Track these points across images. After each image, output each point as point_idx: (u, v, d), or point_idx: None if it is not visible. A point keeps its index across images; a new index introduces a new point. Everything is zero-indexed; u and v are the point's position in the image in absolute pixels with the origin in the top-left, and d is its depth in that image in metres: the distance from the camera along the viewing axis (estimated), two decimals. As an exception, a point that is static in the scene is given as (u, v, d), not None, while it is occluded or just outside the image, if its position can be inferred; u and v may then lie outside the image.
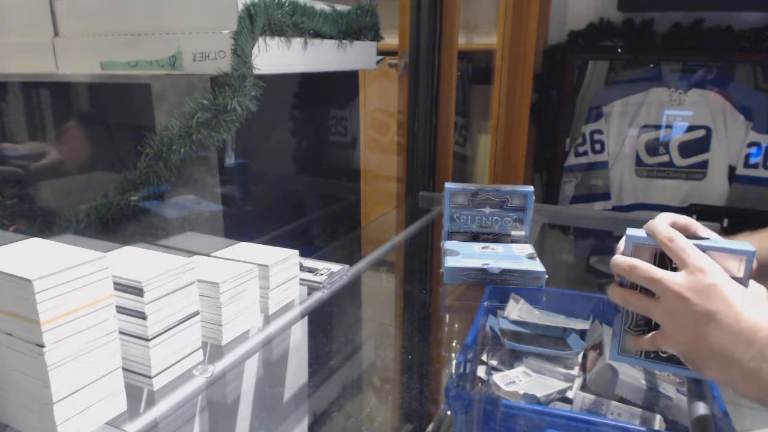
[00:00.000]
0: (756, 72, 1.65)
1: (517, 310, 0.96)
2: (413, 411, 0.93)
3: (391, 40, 1.40)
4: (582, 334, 0.93)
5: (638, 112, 1.76)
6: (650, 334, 0.60)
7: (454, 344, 1.05)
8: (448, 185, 1.10)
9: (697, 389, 0.63)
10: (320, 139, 1.69)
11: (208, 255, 0.73)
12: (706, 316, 0.53)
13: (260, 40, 0.76)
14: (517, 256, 1.03)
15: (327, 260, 0.92)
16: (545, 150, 1.85)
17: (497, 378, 0.84)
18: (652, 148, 1.77)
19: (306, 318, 0.79)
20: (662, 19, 1.64)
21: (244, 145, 1.14)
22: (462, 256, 1.02)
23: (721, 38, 1.58)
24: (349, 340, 1.05)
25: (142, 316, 0.54)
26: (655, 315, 0.58)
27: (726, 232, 0.63)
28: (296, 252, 0.78)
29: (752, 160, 1.66)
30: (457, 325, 1.11)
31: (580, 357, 0.89)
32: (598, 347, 0.88)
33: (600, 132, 1.80)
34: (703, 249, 0.57)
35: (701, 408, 0.60)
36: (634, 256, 0.60)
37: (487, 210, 1.11)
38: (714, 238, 0.60)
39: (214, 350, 0.66)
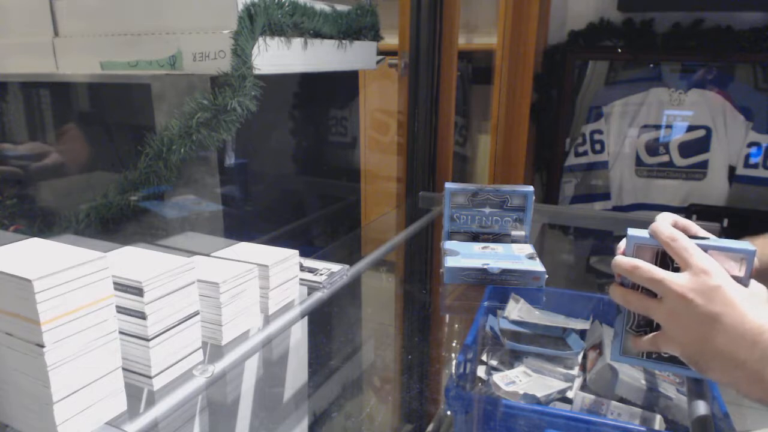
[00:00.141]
0: (756, 72, 1.65)
1: (517, 310, 0.96)
2: (413, 411, 0.93)
3: (391, 40, 1.40)
4: (582, 334, 0.93)
5: (638, 112, 1.76)
6: (651, 335, 0.60)
7: (454, 344, 1.05)
8: (448, 185, 1.10)
9: (697, 389, 0.63)
10: (320, 139, 1.69)
11: (208, 255, 0.73)
12: (710, 317, 0.53)
13: (260, 40, 0.76)
14: (517, 256, 1.03)
15: (327, 260, 0.92)
16: (545, 150, 1.85)
17: (497, 378, 0.84)
18: (652, 148, 1.77)
19: (306, 318, 0.79)
20: (662, 19, 1.64)
21: (244, 145, 1.14)
22: (462, 256, 1.02)
23: (721, 38, 1.58)
24: (349, 340, 1.05)
25: (142, 316, 0.54)
26: (656, 316, 0.58)
27: (726, 233, 0.63)
28: (296, 252, 0.78)
29: (752, 160, 1.66)
30: (457, 325, 1.11)
31: (580, 357, 0.89)
32: (598, 347, 0.88)
33: (600, 132, 1.80)
34: (705, 248, 0.57)
35: (701, 408, 0.60)
36: (635, 257, 0.60)
37: (487, 210, 1.11)
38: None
39: (214, 350, 0.66)
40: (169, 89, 0.90)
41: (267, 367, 0.77)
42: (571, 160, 1.85)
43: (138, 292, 0.53)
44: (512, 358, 0.91)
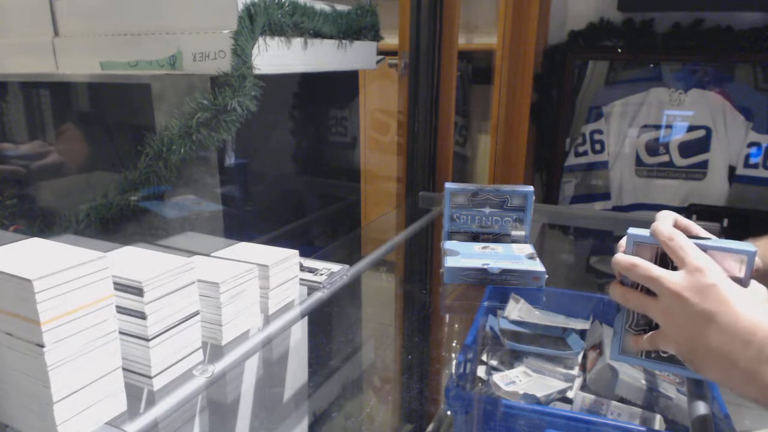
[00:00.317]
0: (756, 72, 1.65)
1: (517, 310, 0.96)
2: (413, 411, 0.93)
3: (391, 40, 1.40)
4: (582, 334, 0.93)
5: (638, 112, 1.76)
6: (649, 334, 0.60)
7: (454, 344, 1.05)
8: (448, 185, 1.10)
9: (697, 389, 0.63)
10: (320, 139, 1.69)
11: (208, 255, 0.73)
12: (705, 316, 0.53)
13: (260, 40, 0.76)
14: (517, 256, 1.03)
15: (327, 260, 0.92)
16: (545, 150, 1.85)
17: (497, 378, 0.84)
18: (652, 148, 1.77)
19: (306, 318, 0.79)
20: (662, 19, 1.64)
21: (244, 145, 1.14)
22: (462, 256, 1.02)
23: (721, 38, 1.58)
24: (349, 340, 1.05)
25: (142, 316, 0.54)
26: (653, 314, 0.58)
27: (726, 233, 0.63)
28: (296, 252, 0.78)
29: (752, 160, 1.66)
30: (457, 325, 1.11)
31: (580, 357, 0.89)
32: (598, 347, 0.88)
33: (600, 132, 1.80)
34: (705, 249, 0.57)
35: (701, 408, 0.60)
36: (635, 255, 0.60)
37: (487, 210, 1.11)
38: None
39: (214, 350, 0.66)
40: (169, 89, 0.90)
41: (267, 367, 0.77)
42: (571, 160, 1.85)
43: (138, 292, 0.53)
44: (512, 358, 0.91)
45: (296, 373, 0.83)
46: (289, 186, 1.49)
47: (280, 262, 0.74)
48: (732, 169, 1.70)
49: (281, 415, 0.80)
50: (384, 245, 1.13)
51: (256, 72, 0.76)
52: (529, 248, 1.07)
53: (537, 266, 0.97)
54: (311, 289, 0.83)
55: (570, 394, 0.83)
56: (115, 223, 0.81)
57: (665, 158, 1.76)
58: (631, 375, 0.82)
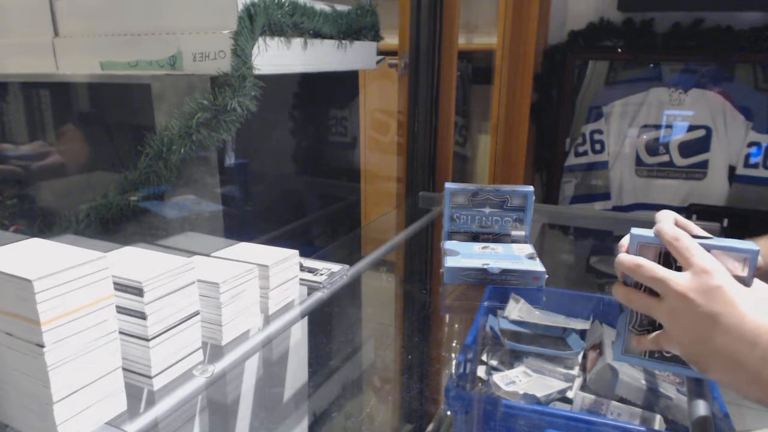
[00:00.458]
0: (756, 72, 1.65)
1: (517, 310, 0.96)
2: (413, 411, 0.93)
3: (391, 40, 1.40)
4: (582, 334, 0.93)
5: (638, 112, 1.76)
6: (653, 335, 0.60)
7: (454, 344, 1.05)
8: (448, 185, 1.10)
9: (697, 389, 0.63)
10: (320, 139, 1.69)
11: (208, 255, 0.73)
12: (710, 317, 0.53)
13: (260, 40, 0.76)
14: (517, 256, 1.03)
15: (327, 260, 0.92)
16: (545, 150, 1.85)
17: (497, 378, 0.84)
18: (652, 148, 1.77)
19: (306, 318, 0.79)
20: (662, 19, 1.64)
21: (244, 145, 1.14)
22: (462, 256, 1.02)
23: (721, 38, 1.58)
24: (349, 340, 1.05)
25: (142, 316, 0.54)
26: (658, 315, 0.58)
27: (726, 233, 0.63)
28: (296, 252, 0.78)
29: (752, 160, 1.66)
30: (457, 325, 1.11)
31: (580, 357, 0.89)
32: (598, 347, 0.88)
33: (600, 132, 1.80)
34: (708, 248, 0.57)
35: (701, 408, 0.60)
36: (638, 255, 0.60)
37: (487, 210, 1.11)
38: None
39: (214, 350, 0.66)
40: (169, 89, 0.90)
41: (267, 367, 0.77)
42: (571, 160, 1.85)
43: (138, 292, 0.53)
44: (512, 358, 0.91)
45: (296, 373, 0.83)
46: (289, 186, 1.49)
47: (280, 262, 0.74)
48: (732, 169, 1.70)
49: (281, 415, 0.80)
50: (384, 245, 1.13)
51: (256, 72, 0.76)
52: (529, 248, 1.07)
53: (537, 266, 0.97)
54: (311, 289, 0.83)
55: (570, 394, 0.83)
56: (115, 223, 0.81)
57: (665, 158, 1.76)
58: (631, 375, 0.82)
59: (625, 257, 0.60)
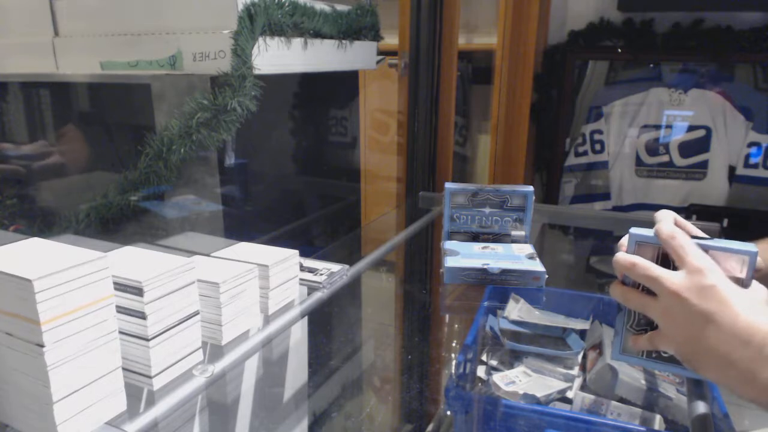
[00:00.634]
0: (756, 72, 1.65)
1: (517, 310, 0.96)
2: (413, 411, 0.93)
3: (391, 40, 1.40)
4: (582, 334, 0.93)
5: (638, 112, 1.76)
6: (648, 334, 0.60)
7: (454, 344, 1.05)
8: (448, 185, 1.10)
9: (697, 389, 0.63)
10: (320, 139, 1.69)
11: (208, 255, 0.73)
12: (704, 316, 0.53)
13: (260, 40, 0.76)
14: (517, 256, 1.03)
15: (327, 260, 0.92)
16: (545, 150, 1.85)
17: (497, 378, 0.84)
18: (652, 148, 1.77)
19: (306, 318, 0.79)
20: (662, 19, 1.64)
21: (244, 145, 1.14)
22: (462, 256, 1.02)
23: (721, 38, 1.58)
24: (349, 340, 1.05)
25: (142, 316, 0.54)
26: (653, 314, 0.58)
27: (726, 233, 0.63)
28: (296, 252, 0.78)
29: (752, 160, 1.66)
30: (457, 325, 1.11)
31: (580, 357, 0.89)
32: (598, 347, 0.88)
33: (600, 132, 1.80)
34: (706, 249, 0.57)
35: (701, 408, 0.60)
36: (637, 255, 0.60)
37: (487, 210, 1.11)
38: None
39: (214, 350, 0.66)
40: (169, 89, 0.90)
41: (267, 367, 0.77)
42: (571, 160, 1.85)
43: (138, 292, 0.53)
44: (512, 358, 0.91)
45: (296, 373, 0.83)
46: (289, 186, 1.49)
47: (280, 262, 0.74)
48: (732, 169, 1.70)
49: (281, 415, 0.80)
50: (384, 245, 1.13)
51: (256, 72, 0.76)
52: (529, 248, 1.07)
53: (537, 266, 0.97)
54: (311, 289, 0.83)
55: (570, 394, 0.83)
56: (115, 223, 0.81)
57: (665, 158, 1.76)
58: (631, 375, 0.82)
59: (621, 256, 0.60)
